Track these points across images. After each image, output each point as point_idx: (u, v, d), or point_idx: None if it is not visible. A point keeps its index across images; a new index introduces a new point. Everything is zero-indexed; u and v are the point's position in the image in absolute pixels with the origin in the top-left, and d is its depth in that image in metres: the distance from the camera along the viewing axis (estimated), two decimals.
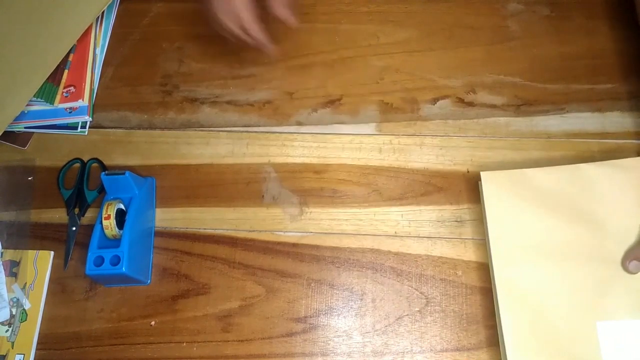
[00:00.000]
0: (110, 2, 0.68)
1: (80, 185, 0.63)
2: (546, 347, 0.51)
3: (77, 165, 0.65)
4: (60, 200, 0.63)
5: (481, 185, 0.57)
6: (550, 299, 0.52)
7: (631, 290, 0.52)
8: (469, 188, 0.61)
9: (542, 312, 0.52)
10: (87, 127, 0.66)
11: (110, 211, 0.56)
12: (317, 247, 0.60)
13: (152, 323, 0.58)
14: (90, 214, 0.62)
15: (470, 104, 0.65)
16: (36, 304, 0.59)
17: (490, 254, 0.55)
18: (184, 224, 0.62)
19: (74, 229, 0.61)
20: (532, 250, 0.54)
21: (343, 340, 0.56)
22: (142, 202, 0.59)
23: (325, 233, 0.60)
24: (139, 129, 0.66)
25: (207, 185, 0.63)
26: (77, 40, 0.68)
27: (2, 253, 0.60)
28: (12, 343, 0.57)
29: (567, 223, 0.55)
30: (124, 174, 0.58)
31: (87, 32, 0.69)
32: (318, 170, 0.63)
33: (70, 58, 0.68)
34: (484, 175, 0.57)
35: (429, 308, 0.57)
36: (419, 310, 0.57)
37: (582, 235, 0.54)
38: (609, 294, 0.52)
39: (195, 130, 0.66)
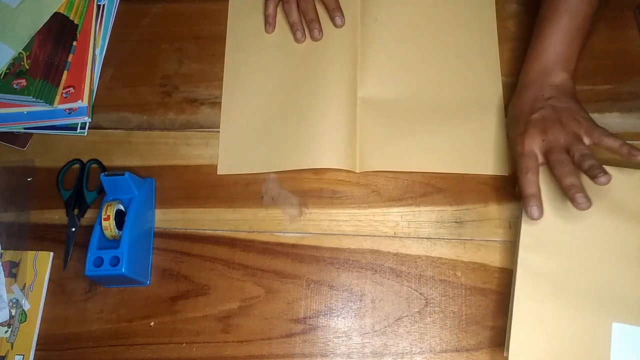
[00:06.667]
0: None
1: (80, 186, 0.63)
2: (553, 338, 0.51)
3: (77, 166, 0.65)
4: (59, 201, 0.63)
5: None
6: (568, 290, 0.52)
7: None
8: (468, 189, 0.61)
9: (558, 301, 0.51)
10: (87, 127, 0.66)
11: (109, 212, 0.56)
12: (316, 248, 0.60)
13: (152, 324, 0.58)
14: (89, 214, 0.62)
15: None
16: (35, 304, 0.59)
17: (519, 235, 0.54)
18: (184, 224, 0.62)
19: (73, 229, 0.61)
20: (561, 240, 0.53)
21: (342, 341, 0.56)
22: (141, 203, 0.59)
23: (325, 234, 0.60)
24: (139, 129, 0.66)
25: (207, 186, 0.63)
26: (77, 41, 0.68)
27: (1, 254, 0.60)
28: (12, 344, 0.57)
29: (602, 221, 0.53)
30: (123, 174, 0.58)
31: (86, 33, 0.69)
32: (317, 171, 0.63)
33: (70, 59, 0.68)
34: None
35: (428, 309, 0.57)
36: (418, 311, 0.57)
37: (616, 235, 0.53)
38: (633, 297, 0.51)
39: (195, 131, 0.66)
